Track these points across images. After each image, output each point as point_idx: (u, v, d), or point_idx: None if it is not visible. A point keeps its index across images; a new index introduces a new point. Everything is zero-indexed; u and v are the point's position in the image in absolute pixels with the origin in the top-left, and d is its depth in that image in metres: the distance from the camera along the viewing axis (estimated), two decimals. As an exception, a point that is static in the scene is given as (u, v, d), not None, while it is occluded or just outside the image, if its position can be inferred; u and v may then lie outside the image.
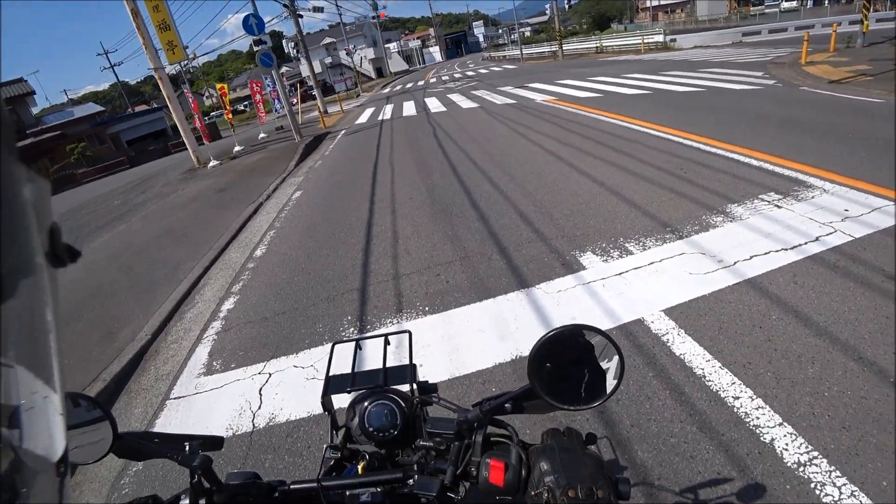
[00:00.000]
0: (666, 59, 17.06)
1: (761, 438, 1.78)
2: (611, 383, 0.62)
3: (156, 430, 2.53)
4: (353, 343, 1.00)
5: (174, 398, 2.79)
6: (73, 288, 4.89)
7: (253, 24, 11.39)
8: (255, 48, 11.74)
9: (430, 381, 0.92)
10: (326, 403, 0.91)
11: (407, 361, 0.93)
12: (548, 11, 32.78)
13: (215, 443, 0.79)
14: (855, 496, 1.54)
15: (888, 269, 2.63)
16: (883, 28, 16.39)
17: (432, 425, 0.77)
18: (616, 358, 0.62)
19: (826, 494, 1.55)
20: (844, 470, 1.62)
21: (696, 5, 48.62)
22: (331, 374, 0.93)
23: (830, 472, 1.62)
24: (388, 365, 0.92)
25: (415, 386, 0.90)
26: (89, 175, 22.59)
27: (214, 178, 9.98)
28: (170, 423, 2.55)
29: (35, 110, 29.12)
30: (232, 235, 5.68)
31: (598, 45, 27.75)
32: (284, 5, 19.41)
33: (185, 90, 14.20)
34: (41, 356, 0.30)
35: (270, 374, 2.75)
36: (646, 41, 23.79)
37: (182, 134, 12.29)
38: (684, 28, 32.88)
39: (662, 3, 61.01)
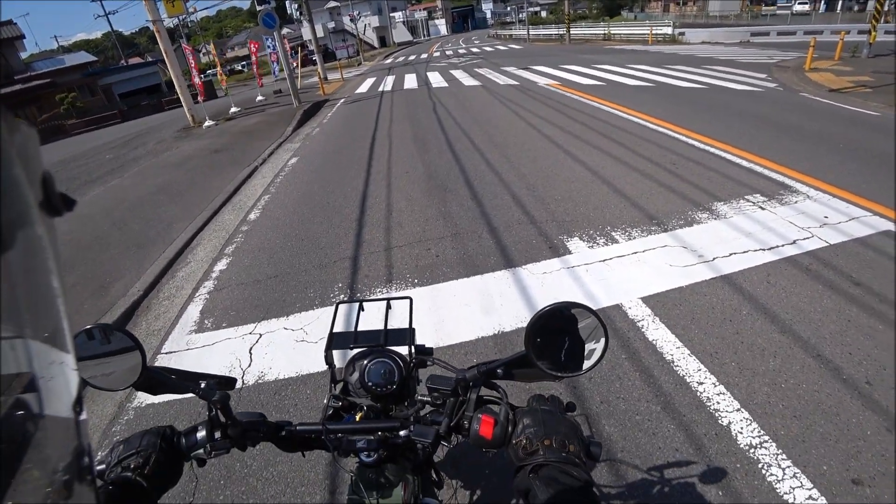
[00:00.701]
0: (672, 53, 16.96)
1: (719, 421, 1.92)
2: (594, 358, 0.69)
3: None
4: (357, 303, 1.06)
5: (165, 353, 2.85)
6: (66, 240, 4.88)
7: (257, -19, 11.09)
8: (258, 7, 11.46)
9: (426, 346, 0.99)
10: (328, 357, 0.96)
11: (407, 325, 0.99)
12: (559, -8, 32.16)
13: (229, 382, 0.85)
14: (797, 478, 1.68)
15: (855, 276, 2.78)
16: (890, 40, 16.37)
17: (432, 381, 0.82)
18: (602, 338, 0.68)
19: (771, 475, 1.70)
20: (790, 454, 1.76)
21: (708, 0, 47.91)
22: (334, 331, 1.00)
23: (777, 454, 1.77)
24: (388, 327, 0.99)
25: (412, 348, 0.95)
26: (79, 127, 21.99)
27: (210, 138, 9.84)
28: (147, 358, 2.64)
29: (24, 55, 28.09)
30: (226, 197, 5.68)
31: (606, 31, 27.39)
32: (290, -36, 18.80)
33: (184, 45, 13.81)
34: (46, 303, 0.30)
35: (261, 335, 2.83)
36: (654, 32, 23.55)
37: (178, 90, 12.00)
38: (694, 22, 32.55)
39: (675, -7, 60.03)
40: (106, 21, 39.05)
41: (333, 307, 1.08)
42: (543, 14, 60.58)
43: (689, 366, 2.23)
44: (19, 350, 0.27)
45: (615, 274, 2.98)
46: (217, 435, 0.74)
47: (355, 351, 0.96)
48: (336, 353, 0.98)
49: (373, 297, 1.11)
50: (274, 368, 2.53)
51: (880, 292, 2.62)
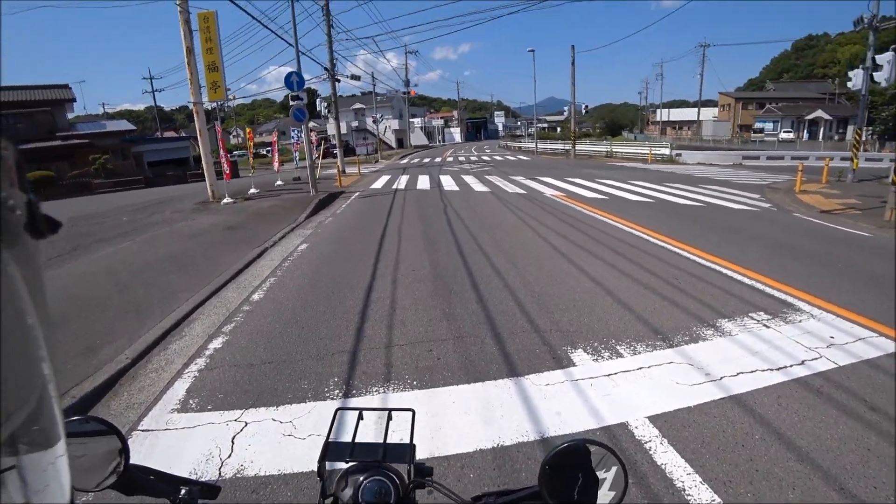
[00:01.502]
0: (670, 172, 18.05)
1: (737, 567, 1.74)
2: (613, 501, 0.65)
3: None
4: (357, 412, 1.03)
5: (141, 430, 2.69)
6: (64, 295, 4.84)
7: (294, 81, 12.29)
8: (291, 102, 12.55)
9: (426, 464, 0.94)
10: (321, 469, 0.92)
11: (407, 439, 0.96)
12: (566, 112, 35.09)
13: (212, 491, 0.79)
14: None
15: (870, 401, 2.70)
16: (871, 167, 17.62)
17: None
18: (623, 481, 0.65)
19: None
20: None
21: (701, 125, 52.16)
22: (330, 440, 0.95)
23: None
24: (388, 441, 0.95)
25: (412, 467, 0.93)
26: (104, 187, 23.08)
27: (225, 215, 10.20)
28: (132, 456, 2.45)
29: (71, 116, 30.25)
30: (232, 275, 5.73)
31: (608, 149, 29.49)
32: (325, 69, 20.92)
33: (217, 126, 14.92)
34: (29, 342, 0.29)
35: (247, 424, 2.69)
36: (653, 152, 25.28)
37: (204, 166, 12.73)
38: (689, 145, 35.04)
39: (671, 119, 65.58)
40: (152, 97, 42.74)
41: (332, 414, 1.04)
42: (556, 129, 65.61)
43: (702, 495, 2.07)
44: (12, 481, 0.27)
45: (620, 390, 2.89)
46: None
47: (350, 464, 0.91)
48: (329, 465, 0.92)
49: (373, 407, 1.07)
50: (255, 463, 2.36)
51: None
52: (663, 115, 65.26)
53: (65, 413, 0.43)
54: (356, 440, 0.93)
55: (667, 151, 24.84)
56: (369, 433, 0.99)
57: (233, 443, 2.52)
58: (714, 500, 2.04)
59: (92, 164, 24.56)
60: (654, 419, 2.59)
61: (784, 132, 45.11)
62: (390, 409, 1.02)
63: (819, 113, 44.96)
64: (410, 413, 1.03)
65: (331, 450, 0.92)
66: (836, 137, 42.52)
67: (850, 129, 41.22)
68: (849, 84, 14.02)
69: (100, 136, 27.52)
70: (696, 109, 55.18)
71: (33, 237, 0.29)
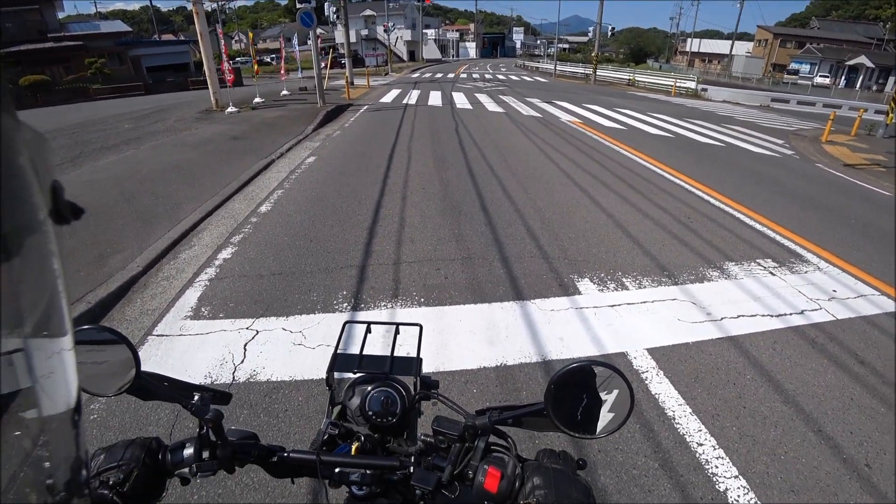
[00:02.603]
0: (693, 107, 17.24)
1: (716, 486, 1.88)
2: (615, 422, 0.65)
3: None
4: (364, 325, 1.03)
5: (157, 335, 2.79)
6: (72, 202, 4.85)
7: (301, -20, 11.32)
8: (298, 4, 11.65)
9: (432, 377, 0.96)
10: (330, 379, 0.92)
11: (414, 353, 0.95)
12: (590, 33, 32.78)
13: (224, 397, 0.80)
14: (791, 558, 1.63)
15: (861, 355, 2.78)
16: None
17: (438, 423, 0.77)
18: (628, 403, 0.65)
19: (764, 550, 1.65)
20: (786, 531, 1.72)
21: (733, 60, 48.99)
22: (338, 352, 0.96)
23: (773, 530, 1.72)
24: (395, 354, 0.96)
25: (418, 379, 0.92)
26: (102, 93, 22.22)
27: (230, 124, 9.90)
28: (148, 359, 2.55)
29: (61, 15, 28.46)
30: (239, 186, 5.67)
31: (630, 77, 27.91)
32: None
33: (219, 30, 14.02)
34: (50, 308, 0.30)
35: (258, 332, 2.78)
36: (678, 84, 23.97)
37: (206, 73, 12.15)
38: (717, 80, 33.16)
39: (702, 50, 61.47)
40: (146, -5, 39.85)
41: (341, 327, 1.04)
42: (577, 52, 61.75)
43: (690, 425, 2.18)
44: (18, 364, 0.27)
45: (623, 321, 2.96)
46: (205, 455, 0.70)
47: (358, 375, 0.92)
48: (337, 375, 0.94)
49: (381, 321, 1.07)
50: (267, 369, 2.47)
51: (884, 374, 2.62)
52: (694, 45, 61.01)
53: (76, 322, 0.46)
54: (364, 353, 0.94)
55: (692, 85, 23.54)
56: (377, 346, 1.00)
57: (245, 349, 2.62)
58: (701, 429, 2.16)
59: (88, 68, 23.41)
60: (653, 351, 2.68)
61: (820, 76, 42.18)
62: (398, 324, 1.02)
63: (862, 59, 41.73)
64: (418, 328, 1.03)
65: (339, 361, 0.93)
66: (875, 88, 39.96)
67: (892, 80, 38.78)
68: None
69: (94, 38, 25.92)
70: (730, 42, 51.45)
71: (57, 223, 0.30)
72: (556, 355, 2.60)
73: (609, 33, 32.22)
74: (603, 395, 0.66)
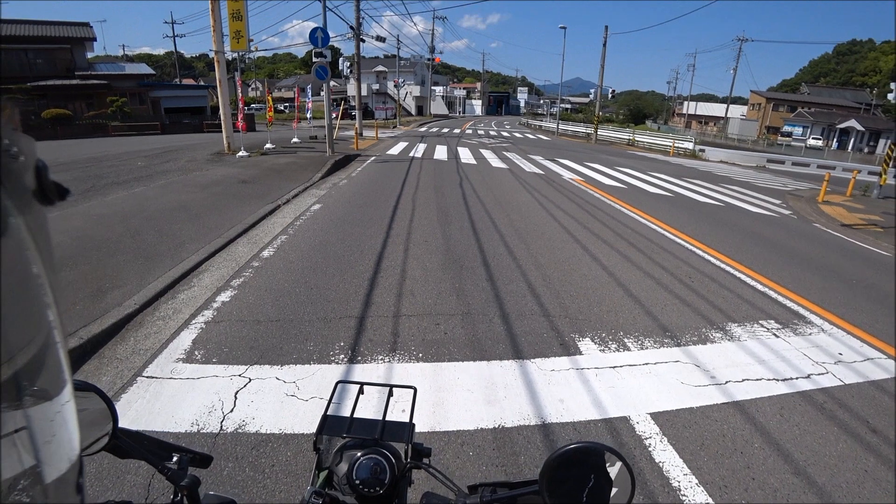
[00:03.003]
0: (692, 167, 17.68)
1: (726, 571, 1.76)
2: None
3: (118, 405, 2.48)
4: (357, 385, 1.00)
5: (147, 376, 2.72)
6: (76, 236, 4.87)
7: (319, 37, 11.98)
8: (314, 59, 12.26)
9: (424, 444, 0.92)
10: (318, 442, 0.89)
11: (407, 418, 0.91)
12: (591, 94, 34.20)
13: (204, 460, 0.78)
14: None
15: (872, 423, 2.69)
16: None
17: (427, 500, 0.75)
18: (629, 488, 0.62)
19: None
20: None
21: (728, 122, 50.79)
22: (328, 413, 0.93)
23: None
24: (387, 418, 0.92)
25: (410, 446, 0.88)
26: (120, 130, 23.13)
27: (240, 168, 10.16)
28: (136, 401, 2.48)
29: (90, 55, 29.96)
30: (244, 229, 5.73)
31: (630, 137, 28.83)
32: (351, 27, 20.41)
33: (237, 78, 14.72)
34: (50, 367, 0.30)
35: (250, 380, 2.71)
36: (676, 145, 24.71)
37: (222, 117, 12.63)
38: (713, 141, 34.19)
39: (698, 112, 63.93)
40: (172, 42, 42.21)
41: (333, 386, 1.01)
42: (579, 111, 64.25)
43: (697, 497, 2.08)
44: (21, 442, 0.27)
45: (625, 383, 2.88)
46: None
47: (347, 439, 0.88)
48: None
49: (375, 382, 1.04)
50: (257, 419, 2.39)
51: None
52: (690, 108, 63.57)
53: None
54: (355, 415, 0.91)
55: (690, 146, 24.26)
56: (370, 407, 0.97)
57: (235, 397, 2.55)
58: (708, 503, 2.05)
59: (109, 105, 24.51)
60: (656, 416, 2.59)
61: (813, 138, 43.82)
62: (392, 385, 0.99)
63: (852, 122, 43.49)
64: (412, 391, 1.00)
65: (329, 423, 0.89)
66: (866, 150, 41.36)
67: (882, 142, 40.26)
68: (889, 96, 13.47)
69: (119, 78, 27.30)
70: (725, 105, 53.61)
71: (42, 203, 0.30)
72: (555, 418, 2.51)
73: (610, 95, 33.56)
74: (601, 478, 0.63)
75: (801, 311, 4.29)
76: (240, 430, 2.31)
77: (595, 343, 3.36)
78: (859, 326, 4.05)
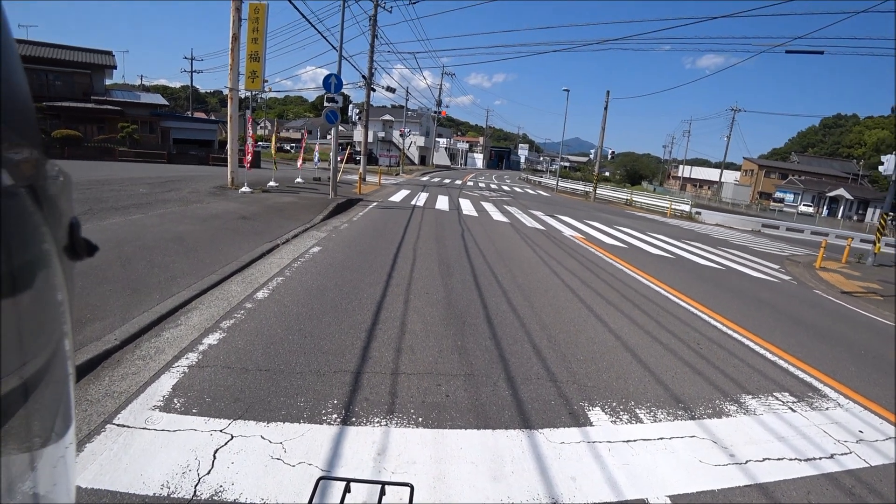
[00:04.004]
0: (690, 229, 17.89)
1: None
2: None
3: (80, 455, 2.21)
4: (343, 483, 0.83)
5: (117, 424, 2.46)
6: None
7: (333, 83, 12.37)
8: (326, 103, 12.61)
9: None
10: None
11: None
12: (591, 154, 35.24)
13: None
14: None
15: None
16: (891, 252, 17.52)
17: None
18: None
19: None
20: None
21: (722, 187, 52.18)
22: None
23: None
24: None
25: None
26: (127, 155, 23.52)
27: (241, 203, 10.13)
28: (102, 453, 2.22)
29: (108, 82, 30.97)
30: (240, 266, 5.57)
31: (628, 197, 29.42)
32: (363, 76, 21.19)
33: (248, 115, 15.07)
34: (63, 413, 0.30)
35: (232, 437, 2.47)
36: (673, 207, 25.18)
37: (229, 152, 12.83)
38: (708, 205, 34.97)
39: (692, 176, 65.87)
40: (188, 76, 43.67)
41: (313, 483, 0.83)
42: (577, 170, 66.09)
43: None
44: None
45: (640, 460, 2.65)
46: None
47: None
48: None
49: (364, 479, 0.86)
50: (237, 486, 2.13)
51: None
52: (685, 171, 65.52)
53: None
54: None
55: (686, 208, 24.73)
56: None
57: (214, 457, 2.30)
58: None
59: (120, 131, 25.05)
60: (676, 499, 2.36)
61: (804, 205, 45.30)
62: (384, 483, 0.82)
63: (841, 191, 45.06)
64: (408, 489, 0.83)
65: None
66: (855, 218, 42.59)
67: (870, 210, 41.53)
68: (880, 168, 13.94)
69: (133, 106, 28.20)
70: (719, 171, 55.27)
71: (70, 259, 0.33)
72: (567, 498, 2.27)
73: (610, 156, 34.63)
74: None
75: (815, 382, 4.14)
76: (216, 498, 2.05)
77: (606, 413, 3.14)
78: (874, 400, 3.91)
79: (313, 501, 0.79)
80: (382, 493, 0.80)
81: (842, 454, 2.99)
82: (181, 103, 61.50)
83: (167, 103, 34.33)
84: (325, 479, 0.87)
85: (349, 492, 0.80)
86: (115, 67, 28.82)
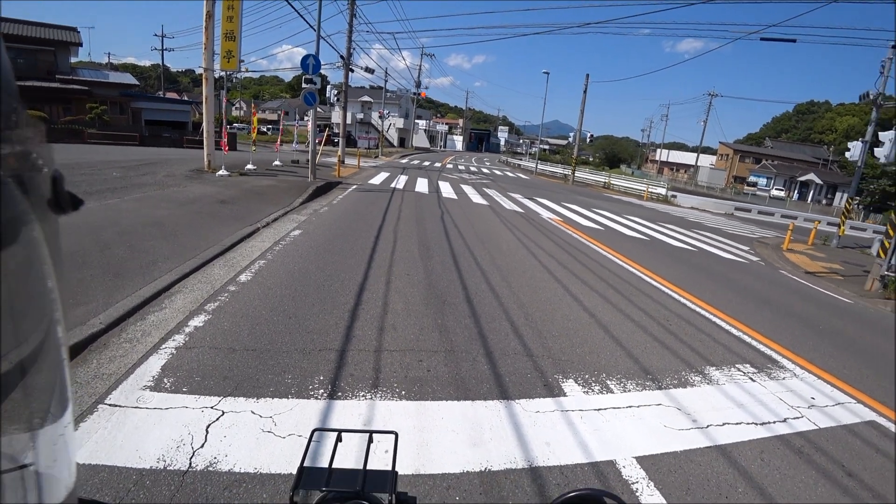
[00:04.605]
0: (665, 212, 18.32)
1: None
2: None
3: (75, 434, 2.29)
4: (335, 433, 0.94)
5: (109, 404, 2.52)
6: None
7: (311, 63, 12.15)
8: (304, 84, 12.38)
9: (409, 493, 0.87)
10: (295, 496, 0.85)
11: (389, 466, 0.89)
12: (570, 137, 35.52)
13: None
14: None
15: (847, 466, 2.80)
16: (855, 235, 18.44)
17: None
18: None
19: None
20: None
21: (698, 171, 53.26)
22: (305, 464, 0.87)
23: None
24: (368, 467, 0.87)
25: (394, 496, 0.86)
26: (96, 138, 22.38)
27: (219, 187, 9.97)
28: (96, 431, 2.29)
29: (74, 60, 29.24)
30: (221, 250, 5.57)
31: (606, 180, 29.80)
32: (341, 57, 20.79)
33: (224, 96, 14.66)
34: (58, 391, 0.31)
35: (223, 413, 2.56)
36: (650, 190, 25.65)
37: (205, 134, 12.50)
38: (684, 188, 35.70)
39: (670, 160, 66.91)
40: (159, 55, 41.74)
41: (308, 435, 0.94)
42: (556, 153, 66.39)
43: (684, 550, 2.03)
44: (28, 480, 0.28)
45: (610, 426, 2.86)
46: None
47: (326, 492, 0.83)
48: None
49: (353, 429, 0.98)
50: (230, 457, 2.24)
51: (873, 487, 2.61)
52: (662, 155, 66.49)
53: None
54: (334, 464, 0.85)
55: (663, 191, 25.24)
56: (350, 455, 0.92)
57: (207, 431, 2.40)
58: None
59: (88, 112, 23.94)
60: (642, 460, 2.57)
61: (776, 189, 46.68)
62: (371, 431, 0.93)
63: (811, 176, 46.56)
64: (393, 436, 0.95)
65: (305, 475, 0.83)
66: (824, 202, 44.23)
67: (839, 195, 43.04)
68: (847, 154, 14.49)
69: (101, 86, 26.77)
70: (695, 154, 56.32)
71: (55, 213, 0.30)
72: (542, 461, 2.45)
73: (588, 139, 34.95)
74: None
75: (775, 355, 4.44)
76: (211, 469, 2.16)
77: (578, 384, 3.34)
78: (829, 371, 4.25)
79: (308, 450, 0.90)
80: (371, 440, 0.92)
81: (794, 418, 3.29)
82: (152, 83, 58.98)
83: (137, 83, 32.83)
84: (319, 430, 0.97)
85: (341, 441, 0.91)
86: (80, 44, 27.28)
